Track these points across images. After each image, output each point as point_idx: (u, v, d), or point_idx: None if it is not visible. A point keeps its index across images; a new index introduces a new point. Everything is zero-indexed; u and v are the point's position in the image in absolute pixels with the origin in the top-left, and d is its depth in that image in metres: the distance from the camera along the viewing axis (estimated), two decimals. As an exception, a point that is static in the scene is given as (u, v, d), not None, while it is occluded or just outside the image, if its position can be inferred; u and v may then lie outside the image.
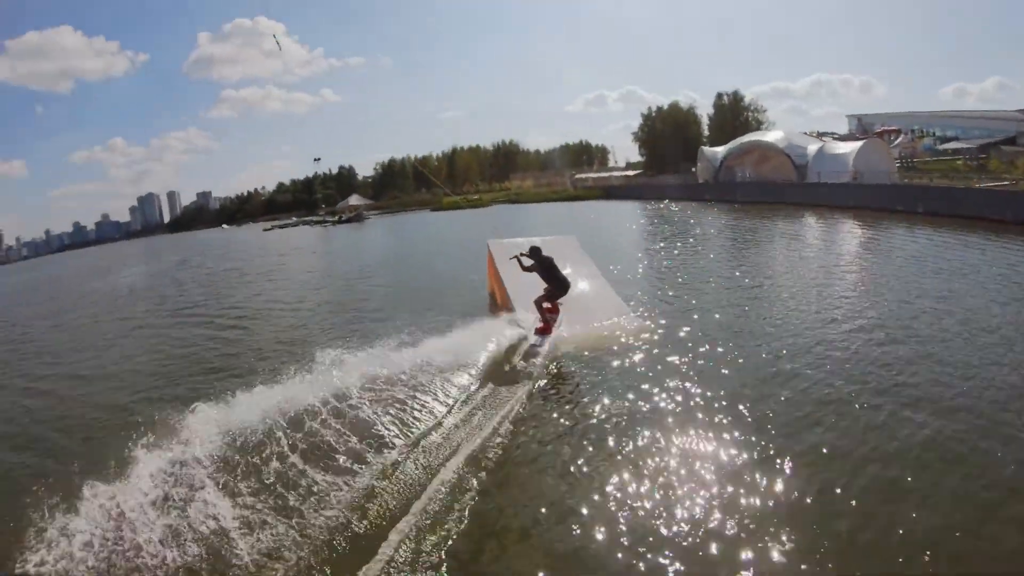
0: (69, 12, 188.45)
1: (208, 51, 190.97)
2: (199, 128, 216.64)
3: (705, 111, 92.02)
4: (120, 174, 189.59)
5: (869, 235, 24.74)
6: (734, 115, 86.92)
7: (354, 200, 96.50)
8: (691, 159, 72.85)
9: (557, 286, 12.04)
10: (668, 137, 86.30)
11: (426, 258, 30.94)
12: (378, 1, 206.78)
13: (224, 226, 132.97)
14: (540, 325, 11.83)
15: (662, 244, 26.78)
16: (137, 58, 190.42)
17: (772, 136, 55.26)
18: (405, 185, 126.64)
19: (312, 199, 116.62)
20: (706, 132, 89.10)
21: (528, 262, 12.17)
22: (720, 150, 59.32)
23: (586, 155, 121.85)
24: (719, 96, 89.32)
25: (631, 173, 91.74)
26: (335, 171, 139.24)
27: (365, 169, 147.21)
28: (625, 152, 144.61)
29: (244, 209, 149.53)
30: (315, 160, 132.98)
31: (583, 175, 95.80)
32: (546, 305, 12.03)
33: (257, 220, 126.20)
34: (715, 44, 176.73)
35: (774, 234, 27.41)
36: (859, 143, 45.44)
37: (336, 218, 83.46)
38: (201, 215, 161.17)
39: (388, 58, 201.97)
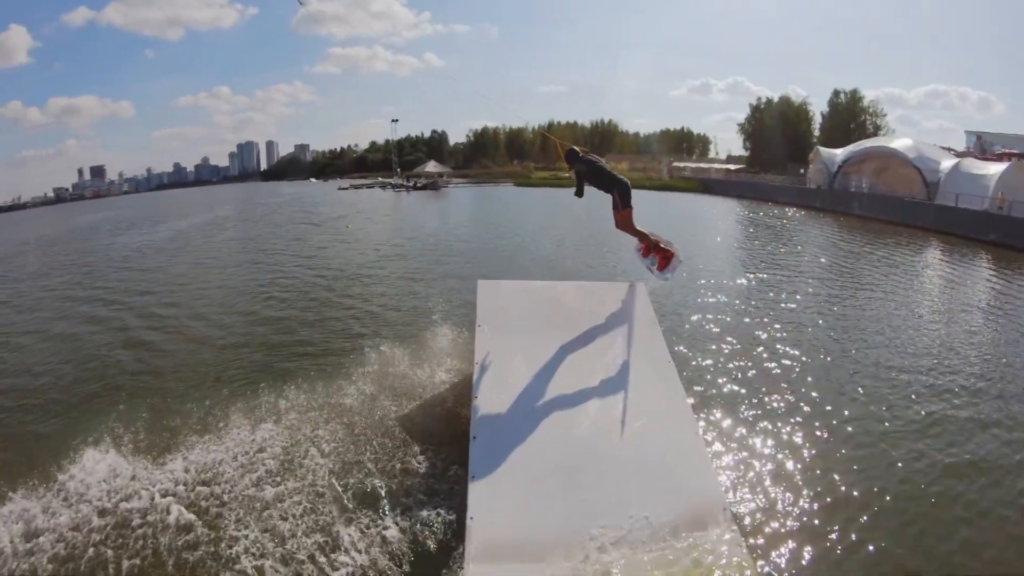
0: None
1: (316, 8, 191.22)
2: (303, 82, 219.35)
3: (817, 109, 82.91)
4: (223, 121, 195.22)
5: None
6: (850, 116, 77.66)
7: (431, 167, 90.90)
8: (798, 159, 65.00)
9: (621, 188, 7.80)
10: (776, 133, 77.86)
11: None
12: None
13: (312, 179, 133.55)
14: (658, 257, 8.05)
15: (767, 273, 20.79)
16: (246, 11, 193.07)
17: (899, 144, 46.43)
18: (496, 155, 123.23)
19: (399, 161, 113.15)
20: (816, 132, 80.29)
21: (579, 168, 7.91)
22: (839, 153, 50.97)
23: (686, 143, 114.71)
24: (835, 94, 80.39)
25: (732, 167, 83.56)
26: (427, 135, 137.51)
27: (458, 136, 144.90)
28: (727, 144, 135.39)
29: (335, 164, 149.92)
30: (393, 122, 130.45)
31: (681, 164, 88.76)
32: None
33: (344, 176, 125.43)
34: (830, 42, 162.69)
35: (910, 271, 20.73)
36: (1003, 165, 37.10)
37: (412, 184, 79.89)
38: (294, 166, 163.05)
39: (494, 28, 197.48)
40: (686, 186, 70.60)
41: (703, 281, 17.07)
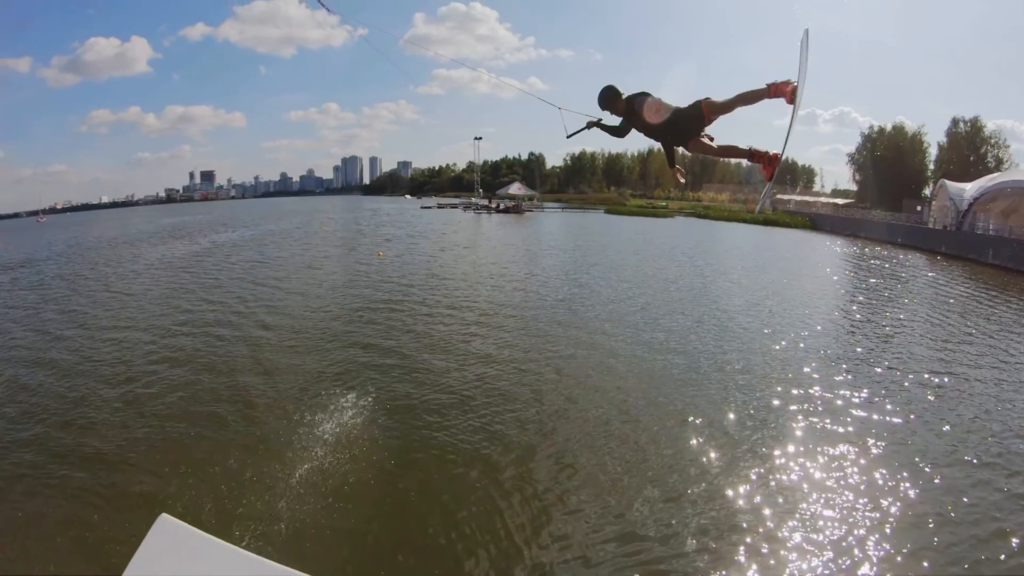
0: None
1: (423, 31, 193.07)
2: (408, 101, 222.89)
3: (933, 140, 72.50)
4: (330, 135, 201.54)
5: None
6: (971, 148, 66.91)
7: (515, 189, 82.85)
8: (912, 194, 56.47)
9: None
10: (888, 165, 68.58)
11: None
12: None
13: (407, 196, 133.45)
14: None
15: (902, 369, 14.81)
16: (355, 32, 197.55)
17: (1039, 180, 38.07)
18: (592, 180, 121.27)
19: (489, 181, 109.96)
20: (931, 166, 70.20)
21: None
22: (968, 188, 42.48)
23: (789, 175, 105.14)
24: (954, 123, 69.38)
25: (839, 201, 74.56)
26: (524, 157, 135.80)
27: (556, 159, 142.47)
28: (832, 177, 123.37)
29: (432, 182, 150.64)
30: (476, 139, 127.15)
31: (785, 196, 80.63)
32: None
33: (438, 195, 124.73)
34: (940, 73, 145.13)
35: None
36: None
37: (495, 206, 75.80)
38: (393, 182, 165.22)
39: (599, 53, 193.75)
40: (792, 221, 61.67)
41: (814, 390, 11.21)
